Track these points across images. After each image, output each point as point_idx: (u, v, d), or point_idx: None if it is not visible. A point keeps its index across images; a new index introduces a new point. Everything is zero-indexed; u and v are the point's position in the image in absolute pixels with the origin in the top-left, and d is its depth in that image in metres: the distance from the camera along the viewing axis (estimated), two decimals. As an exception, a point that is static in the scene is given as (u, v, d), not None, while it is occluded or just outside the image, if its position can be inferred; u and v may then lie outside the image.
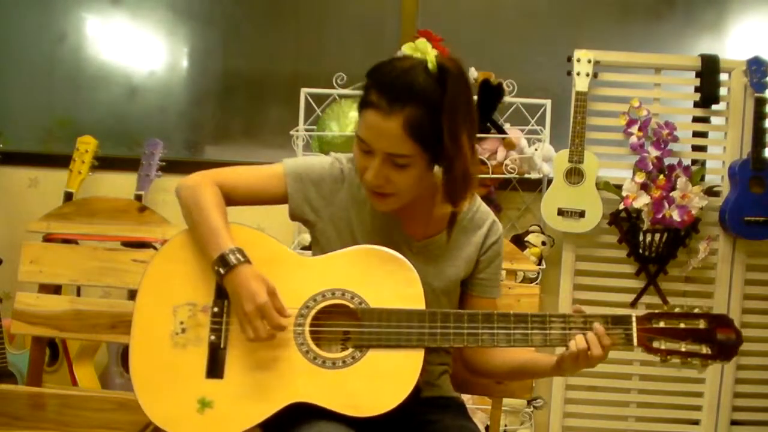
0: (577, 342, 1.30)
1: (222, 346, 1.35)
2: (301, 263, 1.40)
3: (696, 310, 1.33)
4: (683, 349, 1.31)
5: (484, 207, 1.51)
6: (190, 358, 1.34)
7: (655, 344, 1.31)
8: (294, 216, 1.46)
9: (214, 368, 1.34)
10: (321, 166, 1.45)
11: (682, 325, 1.31)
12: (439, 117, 1.25)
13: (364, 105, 1.29)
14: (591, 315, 1.33)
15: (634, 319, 1.32)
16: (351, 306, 1.35)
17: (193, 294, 1.38)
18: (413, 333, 1.31)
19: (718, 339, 1.30)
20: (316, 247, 1.48)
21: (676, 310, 1.33)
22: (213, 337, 1.35)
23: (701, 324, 1.31)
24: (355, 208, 1.44)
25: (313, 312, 1.35)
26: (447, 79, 1.26)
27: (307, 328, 1.34)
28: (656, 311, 1.33)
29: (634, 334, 1.32)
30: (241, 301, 1.30)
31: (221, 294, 1.37)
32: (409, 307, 1.33)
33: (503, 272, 1.60)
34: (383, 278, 1.35)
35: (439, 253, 1.45)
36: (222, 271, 1.32)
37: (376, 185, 1.32)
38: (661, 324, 1.32)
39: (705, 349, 1.31)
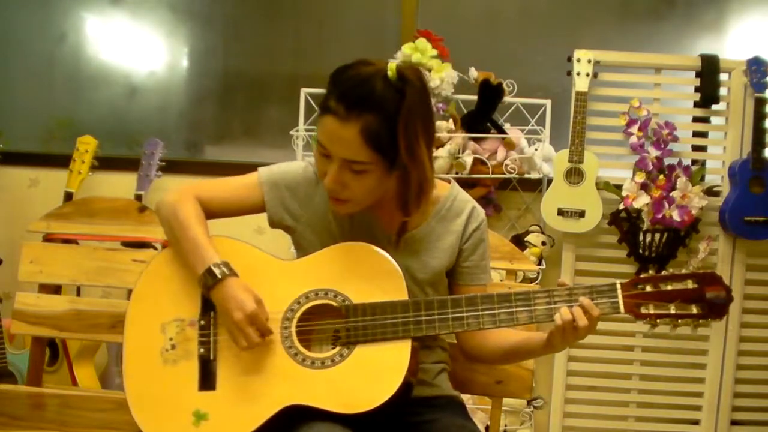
0: (562, 315, 1.28)
1: (212, 358, 1.36)
2: (282, 268, 1.41)
3: (683, 271, 1.29)
4: (673, 312, 1.27)
5: (463, 195, 1.50)
6: (182, 373, 1.35)
7: (643, 310, 1.28)
8: (273, 223, 1.47)
9: (207, 380, 1.35)
10: (295, 171, 1.46)
11: (669, 288, 1.28)
12: (396, 126, 1.26)
13: (323, 110, 1.30)
14: (575, 287, 1.31)
15: (618, 286, 1.30)
16: (335, 304, 1.35)
17: (179, 310, 1.39)
18: (398, 324, 1.32)
19: (708, 297, 1.27)
20: (300, 251, 1.49)
21: (663, 273, 1.29)
22: (202, 350, 1.36)
23: (689, 284, 1.28)
24: (332, 209, 1.45)
25: (298, 314, 1.35)
26: (406, 87, 1.27)
27: (293, 331, 1.34)
28: (642, 276, 1.30)
29: (620, 302, 1.29)
30: (231, 311, 1.30)
31: (207, 307, 1.38)
32: (391, 299, 1.33)
33: (491, 263, 1.57)
34: (363, 273, 1.36)
35: (420, 245, 1.45)
36: (209, 284, 1.33)
37: (332, 190, 1.33)
38: (648, 288, 1.29)
39: (695, 309, 1.27)
